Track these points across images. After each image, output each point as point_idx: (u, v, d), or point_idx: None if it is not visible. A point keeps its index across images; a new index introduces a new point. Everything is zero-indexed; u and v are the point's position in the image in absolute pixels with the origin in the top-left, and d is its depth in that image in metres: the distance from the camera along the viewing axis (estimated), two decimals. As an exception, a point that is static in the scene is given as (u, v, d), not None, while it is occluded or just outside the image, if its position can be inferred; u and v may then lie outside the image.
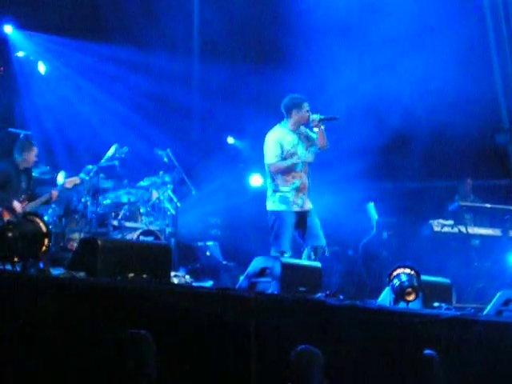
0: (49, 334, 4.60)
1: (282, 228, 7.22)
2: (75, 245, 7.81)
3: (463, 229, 9.42)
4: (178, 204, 9.11)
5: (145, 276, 5.74)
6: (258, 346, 5.31)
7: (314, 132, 7.40)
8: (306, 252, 7.31)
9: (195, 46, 11.45)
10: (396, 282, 6.46)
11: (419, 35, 10.08)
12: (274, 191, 7.31)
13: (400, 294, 6.41)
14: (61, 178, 8.60)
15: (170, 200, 9.08)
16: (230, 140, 11.56)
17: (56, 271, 5.93)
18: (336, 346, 5.57)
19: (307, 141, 7.40)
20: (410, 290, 6.39)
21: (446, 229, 9.49)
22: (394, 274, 6.52)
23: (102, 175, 8.74)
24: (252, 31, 11.22)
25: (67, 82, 10.66)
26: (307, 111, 7.35)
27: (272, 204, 7.31)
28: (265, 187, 11.20)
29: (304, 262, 7.38)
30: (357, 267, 8.79)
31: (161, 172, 9.16)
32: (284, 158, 7.29)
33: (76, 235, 8.40)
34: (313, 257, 7.18)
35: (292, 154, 7.30)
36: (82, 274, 5.53)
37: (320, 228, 7.26)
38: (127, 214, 8.80)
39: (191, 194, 9.34)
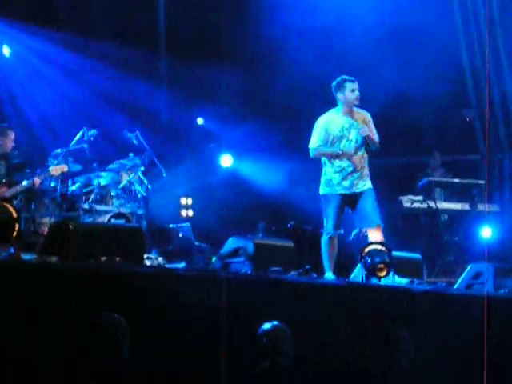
0: (21, 318, 4.58)
1: (327, 211, 7.17)
2: (46, 229, 7.74)
3: (432, 204, 9.51)
4: (149, 186, 9.08)
5: (118, 259, 5.73)
6: (230, 325, 5.34)
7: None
8: (353, 233, 7.25)
9: (161, 32, 11.36)
10: (368, 258, 6.52)
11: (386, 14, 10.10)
12: (323, 174, 7.25)
13: (372, 270, 6.48)
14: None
15: (141, 182, 9.05)
16: (200, 121, 11.52)
17: (27, 256, 5.90)
18: (309, 324, 5.62)
19: (363, 123, 7.18)
20: (381, 265, 6.46)
21: (415, 204, 9.58)
22: (366, 250, 6.59)
23: (70, 159, 8.66)
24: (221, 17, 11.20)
25: (31, 67, 10.53)
26: (353, 91, 7.12)
27: (320, 187, 7.27)
28: (235, 167, 11.29)
29: (277, 241, 7.40)
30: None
31: (131, 154, 9.11)
32: (332, 142, 7.15)
33: (46, 220, 8.33)
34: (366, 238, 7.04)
35: (340, 138, 7.12)
36: (53, 259, 5.50)
37: (372, 209, 7.08)
38: (98, 197, 8.75)
39: (162, 175, 9.31)
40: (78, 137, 8.76)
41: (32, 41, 10.44)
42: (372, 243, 6.80)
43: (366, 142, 7.17)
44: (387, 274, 6.50)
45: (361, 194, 7.15)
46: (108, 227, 7.01)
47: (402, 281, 6.78)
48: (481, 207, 9.57)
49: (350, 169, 7.12)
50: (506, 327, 6.14)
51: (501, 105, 10.52)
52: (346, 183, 7.13)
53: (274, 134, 10.79)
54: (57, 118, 10.35)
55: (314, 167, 10.40)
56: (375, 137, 7.23)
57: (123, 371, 4.25)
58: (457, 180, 9.94)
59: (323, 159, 7.25)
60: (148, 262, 7.07)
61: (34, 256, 6.03)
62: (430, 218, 9.74)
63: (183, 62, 10.81)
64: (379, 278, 6.49)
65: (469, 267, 7.40)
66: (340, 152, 7.11)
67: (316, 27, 10.30)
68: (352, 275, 7.10)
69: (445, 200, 9.81)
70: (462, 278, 7.35)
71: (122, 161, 9.07)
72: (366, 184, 7.18)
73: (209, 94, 11.11)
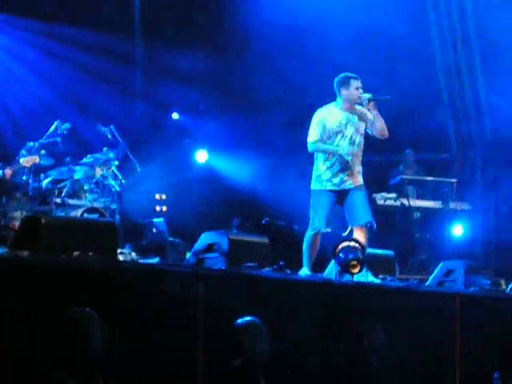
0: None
1: (315, 206, 7.13)
2: (17, 223, 7.66)
3: (405, 202, 9.58)
4: (123, 181, 9.03)
5: (90, 254, 5.69)
6: (205, 321, 5.34)
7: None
8: (347, 230, 7.21)
9: (136, 22, 11.27)
10: (341, 255, 6.56)
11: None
12: (314, 169, 7.21)
13: (345, 266, 6.51)
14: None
15: (115, 177, 8.99)
16: (175, 116, 11.48)
17: (-2, 250, 5.84)
18: (283, 320, 5.63)
19: (361, 121, 7.16)
20: (354, 262, 6.50)
21: (388, 202, 9.64)
22: (339, 247, 6.62)
23: (43, 152, 8.58)
24: (197, 9, 11.12)
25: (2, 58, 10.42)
26: (356, 89, 7.09)
27: (311, 182, 7.23)
28: (210, 163, 11.27)
29: (252, 237, 7.40)
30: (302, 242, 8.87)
31: (104, 148, 9.03)
32: (328, 137, 7.13)
33: (17, 213, 8.24)
34: (355, 236, 6.95)
35: (337, 133, 7.08)
36: (25, 253, 5.45)
37: (361, 206, 7.04)
38: (70, 191, 8.67)
39: (136, 170, 9.26)
40: (51, 130, 8.67)
41: (6, 31, 10.32)
42: (345, 240, 6.83)
43: (376, 100, 7.06)
44: (360, 271, 6.54)
45: (350, 190, 7.14)
46: (81, 222, 6.96)
47: (374, 278, 6.81)
48: (452, 205, 9.66)
49: (342, 166, 7.10)
50: (476, 324, 6.21)
51: (473, 104, 10.63)
52: (335, 180, 7.10)
53: (249, 129, 10.79)
54: (29, 110, 10.25)
55: (288, 162, 10.48)
56: (378, 124, 7.13)
57: (97, 364, 4.22)
58: (429, 178, 10.02)
59: (317, 154, 7.22)
60: (121, 257, 7.03)
61: (5, 250, 5.97)
62: (402, 215, 9.81)
63: (158, 53, 10.76)
64: (352, 274, 6.53)
65: (440, 265, 7.48)
66: (339, 152, 7.07)
67: (293, 23, 10.28)
68: (325, 272, 7.14)
69: (417, 198, 9.89)
70: (433, 275, 7.42)
71: (95, 155, 9.00)
72: (356, 181, 7.16)
73: (184, 88, 11.05)
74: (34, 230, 5.72)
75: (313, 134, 7.15)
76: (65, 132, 8.67)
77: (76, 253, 5.66)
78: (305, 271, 7.02)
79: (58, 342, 4.23)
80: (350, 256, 6.54)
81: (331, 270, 6.89)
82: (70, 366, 4.16)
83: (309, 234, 7.13)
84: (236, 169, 11.01)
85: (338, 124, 7.11)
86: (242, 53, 10.72)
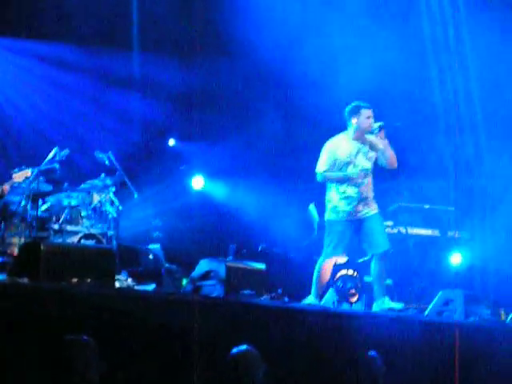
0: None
1: (330, 235, 7.07)
2: (16, 250, 7.64)
3: (403, 229, 9.56)
4: (120, 207, 9.02)
5: (89, 280, 5.67)
6: (201, 349, 5.30)
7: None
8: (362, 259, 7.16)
9: (135, 43, 11.27)
10: (339, 283, 6.55)
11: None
12: (328, 200, 7.17)
13: (343, 295, 6.50)
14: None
15: (112, 203, 8.98)
16: (172, 142, 11.50)
17: (-3, 277, 5.81)
18: (281, 349, 5.60)
19: (371, 150, 7.13)
20: (353, 291, 6.50)
21: (386, 230, 9.61)
22: (338, 275, 6.62)
23: (41, 178, 8.58)
24: (199, 26, 11.14)
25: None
26: (368, 118, 7.05)
27: (326, 213, 7.19)
28: (207, 189, 11.27)
29: (249, 264, 7.38)
30: (299, 269, 8.83)
31: (102, 175, 9.04)
32: (338, 168, 7.08)
33: (16, 239, 8.21)
34: (373, 264, 6.94)
35: (347, 164, 7.06)
36: (24, 280, 5.42)
37: (379, 234, 7.02)
38: (68, 217, 8.66)
39: (133, 196, 9.25)
40: (50, 156, 8.67)
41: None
42: (342, 268, 6.83)
43: (384, 127, 7.01)
44: (359, 300, 6.52)
45: (366, 219, 7.10)
46: (78, 248, 6.94)
47: (396, 305, 6.74)
48: (450, 233, 9.65)
49: (356, 195, 7.05)
50: (475, 354, 6.17)
51: (470, 131, 10.66)
52: (351, 209, 7.07)
53: (246, 156, 10.80)
54: (26, 133, 10.25)
55: (286, 189, 10.47)
56: (387, 154, 7.12)
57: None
58: (427, 206, 10.01)
59: (329, 185, 7.18)
60: (117, 284, 7.00)
61: (4, 277, 5.94)
62: (400, 243, 9.78)
63: (154, 76, 10.76)
64: (351, 303, 6.52)
65: (439, 294, 7.45)
66: (349, 176, 7.04)
67: (294, 45, 10.26)
68: (323, 300, 7.11)
69: (411, 225, 9.86)
70: (432, 304, 7.39)
71: (93, 181, 9.00)
72: (371, 209, 7.13)
73: (182, 114, 11.07)
74: (33, 257, 5.70)
75: (322, 164, 7.13)
76: (63, 158, 8.67)
77: (74, 279, 5.64)
78: (310, 299, 6.97)
79: (55, 369, 4.19)
80: (349, 285, 6.53)
81: (329, 299, 6.87)
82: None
83: (321, 261, 7.06)
84: (233, 195, 11.01)
85: (349, 154, 7.08)
86: (244, 79, 10.73)
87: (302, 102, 10.23)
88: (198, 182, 11.26)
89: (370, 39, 9.90)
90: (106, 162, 9.10)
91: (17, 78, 10.52)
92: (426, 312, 7.30)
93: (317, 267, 7.06)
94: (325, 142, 7.30)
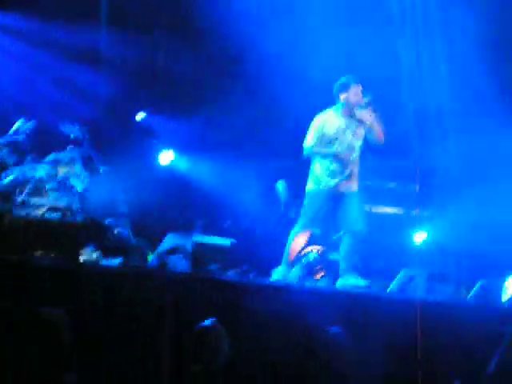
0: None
1: (306, 206, 7.07)
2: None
3: (367, 207, 9.62)
4: (86, 180, 8.95)
5: (53, 254, 5.65)
6: (167, 324, 5.32)
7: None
8: (341, 235, 7.13)
9: (102, 17, 11.13)
10: (305, 259, 6.60)
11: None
12: (311, 171, 7.14)
13: (309, 271, 6.55)
14: None
15: (78, 176, 8.91)
16: (140, 115, 11.41)
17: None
18: (246, 324, 5.64)
19: (360, 126, 7.11)
20: (318, 267, 6.55)
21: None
22: (304, 251, 6.66)
23: (5, 150, 8.47)
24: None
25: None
26: (356, 93, 7.03)
27: (308, 183, 7.16)
28: (175, 164, 11.22)
29: (216, 239, 7.40)
30: (266, 245, 8.88)
31: (68, 147, 8.96)
32: (326, 144, 7.03)
33: (-21, 212, 8.13)
34: (347, 241, 6.98)
35: (335, 139, 7.04)
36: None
37: (357, 212, 7.04)
38: (32, 190, 8.58)
39: (99, 170, 9.19)
40: (14, 128, 8.57)
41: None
42: (309, 245, 6.87)
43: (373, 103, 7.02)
44: (324, 276, 6.58)
45: (347, 195, 7.11)
46: (43, 221, 6.90)
47: (360, 282, 6.81)
48: (414, 212, 9.74)
49: (341, 171, 7.07)
50: (437, 332, 6.27)
51: (435, 109, 10.73)
52: (332, 182, 7.07)
53: (215, 130, 10.78)
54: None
55: (253, 164, 10.46)
56: (375, 131, 7.11)
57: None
58: (391, 184, 10.09)
59: (313, 157, 7.15)
60: (83, 258, 6.98)
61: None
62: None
63: (125, 44, 10.65)
64: (316, 279, 6.58)
65: (402, 271, 7.54)
66: (335, 153, 7.02)
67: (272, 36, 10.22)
68: (289, 275, 7.16)
69: (377, 203, 9.93)
70: (395, 281, 7.49)
71: (59, 154, 8.91)
72: (352, 186, 7.14)
73: (152, 87, 10.99)
74: (-4, 229, 5.65)
75: (309, 139, 7.12)
76: (29, 130, 8.58)
77: (38, 252, 5.61)
78: (281, 269, 6.99)
79: (29, 340, 4.18)
80: (314, 261, 6.58)
81: (294, 275, 6.92)
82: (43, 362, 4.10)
83: (294, 231, 7.07)
84: (200, 170, 10.99)
85: (336, 131, 7.07)
86: (219, 48, 10.65)
87: (268, 79, 10.19)
88: (166, 157, 11.21)
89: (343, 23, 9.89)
90: (73, 135, 9.01)
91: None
92: (389, 289, 7.40)
93: (290, 236, 7.07)
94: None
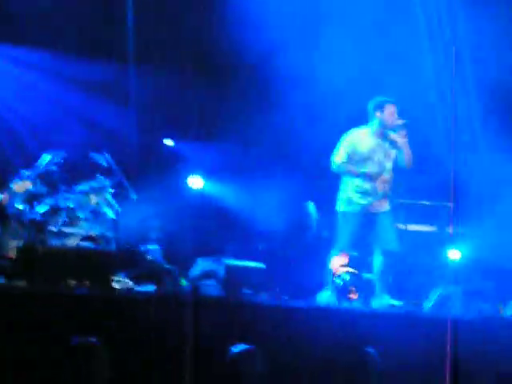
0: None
1: (342, 228, 7.04)
2: (13, 253, 7.63)
3: (402, 226, 9.56)
4: (118, 208, 9.01)
5: (87, 283, 5.68)
6: (202, 350, 5.31)
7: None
8: (374, 255, 7.10)
9: (130, 52, 11.29)
10: (339, 281, 6.56)
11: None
12: (342, 191, 7.11)
13: (343, 292, 6.50)
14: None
15: (110, 204, 8.98)
16: (169, 142, 11.49)
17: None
18: (281, 347, 5.60)
19: (391, 147, 7.10)
20: (353, 288, 6.50)
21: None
22: (337, 272, 6.62)
23: (37, 181, 8.57)
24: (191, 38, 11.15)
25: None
26: (391, 113, 7.01)
27: (338, 204, 7.13)
28: (205, 189, 11.27)
29: (248, 263, 7.38)
30: (299, 267, 8.84)
31: (99, 176, 9.04)
32: (357, 162, 7.02)
33: (13, 243, 8.21)
34: (379, 260, 6.96)
35: (366, 159, 7.02)
36: (22, 283, 5.43)
37: (391, 231, 7.04)
38: (66, 219, 8.66)
39: (131, 197, 9.24)
40: (46, 159, 8.66)
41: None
42: (342, 265, 6.83)
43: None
44: (358, 297, 6.53)
45: (380, 214, 7.07)
46: (77, 250, 6.95)
47: (395, 302, 6.76)
48: (448, 229, 9.65)
49: (372, 191, 7.03)
50: (474, 350, 6.18)
51: (468, 126, 10.66)
52: (366, 203, 7.03)
53: (243, 155, 10.82)
54: (23, 135, 10.26)
55: (282, 189, 10.47)
56: (406, 156, 7.11)
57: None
58: (425, 202, 10.01)
59: (344, 177, 7.13)
60: (117, 285, 7.00)
61: (2, 280, 5.94)
62: (399, 239, 9.77)
63: (149, 80, 10.77)
64: (350, 300, 6.52)
65: (437, 290, 7.46)
66: (366, 173, 6.99)
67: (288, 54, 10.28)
68: (322, 297, 7.12)
69: (411, 221, 9.86)
70: (430, 300, 7.40)
71: (90, 182, 8.99)
72: (385, 206, 7.10)
73: (180, 114, 11.08)
74: (30, 260, 5.71)
75: (340, 155, 7.07)
76: (60, 161, 8.67)
77: (72, 282, 5.65)
78: (325, 294, 6.97)
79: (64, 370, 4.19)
80: (349, 282, 6.54)
81: (328, 296, 6.88)
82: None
83: (334, 254, 7.04)
84: (231, 194, 11.01)
85: (368, 149, 7.04)
86: (243, 78, 10.74)
87: (292, 102, 10.23)
88: (196, 182, 11.25)
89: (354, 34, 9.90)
90: (103, 163, 9.09)
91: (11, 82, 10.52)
92: (425, 308, 7.31)
93: (329, 260, 7.03)
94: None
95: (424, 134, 10.57)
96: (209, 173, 11.21)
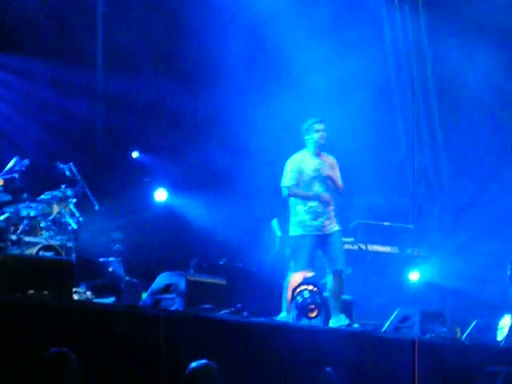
0: None
1: (298, 252, 7.14)
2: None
3: (363, 246, 9.64)
4: (80, 219, 8.93)
5: (46, 293, 5.60)
6: (160, 364, 5.27)
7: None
8: (327, 275, 7.18)
9: (99, 57, 11.25)
10: (299, 298, 6.56)
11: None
12: (293, 215, 7.23)
13: (303, 310, 6.50)
14: None
15: (72, 214, 8.89)
16: (135, 154, 11.45)
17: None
18: (238, 363, 5.59)
19: (330, 167, 7.31)
20: (312, 306, 6.50)
21: (346, 246, 9.66)
22: (297, 290, 6.62)
23: (0, 188, 8.47)
24: (159, 43, 11.14)
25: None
26: (317, 131, 7.23)
27: (291, 228, 7.24)
28: (169, 202, 11.22)
29: (209, 278, 7.36)
30: (260, 284, 8.84)
31: (63, 186, 8.95)
32: (305, 183, 7.19)
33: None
34: (331, 280, 7.05)
35: (313, 178, 7.20)
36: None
37: (340, 252, 7.15)
38: (27, 228, 8.55)
39: (94, 208, 9.17)
40: (9, 166, 8.57)
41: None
42: (303, 283, 6.84)
43: (327, 183, 7.23)
44: (318, 315, 6.54)
45: (331, 235, 7.19)
46: (36, 259, 6.85)
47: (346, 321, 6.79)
48: (409, 251, 9.74)
49: (320, 210, 7.15)
50: (432, 371, 6.23)
51: (431, 148, 10.80)
52: (317, 223, 7.14)
53: (207, 170, 10.81)
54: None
55: (248, 204, 10.48)
56: (339, 181, 7.31)
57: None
58: (386, 223, 10.10)
59: (293, 200, 7.25)
60: (76, 296, 6.93)
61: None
62: (359, 259, 9.85)
63: (119, 87, 10.74)
64: (310, 318, 6.53)
65: (397, 310, 7.51)
66: (316, 196, 7.13)
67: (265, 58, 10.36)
68: (282, 315, 7.12)
69: (369, 242, 9.94)
70: (390, 320, 7.45)
71: (53, 192, 8.90)
72: (335, 226, 7.23)
73: (147, 127, 11.04)
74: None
75: (287, 179, 7.21)
76: (23, 168, 8.58)
77: (31, 291, 5.56)
78: (282, 315, 7.00)
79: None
80: (308, 300, 6.54)
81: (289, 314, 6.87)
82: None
83: (290, 277, 7.11)
84: (194, 209, 11.00)
85: (314, 169, 7.22)
86: (207, 88, 10.75)
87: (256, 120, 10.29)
88: (160, 195, 11.22)
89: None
90: (67, 173, 9.01)
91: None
92: (384, 328, 7.35)
93: (285, 283, 7.12)
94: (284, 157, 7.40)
95: (386, 155, 10.72)
96: (173, 186, 11.19)
